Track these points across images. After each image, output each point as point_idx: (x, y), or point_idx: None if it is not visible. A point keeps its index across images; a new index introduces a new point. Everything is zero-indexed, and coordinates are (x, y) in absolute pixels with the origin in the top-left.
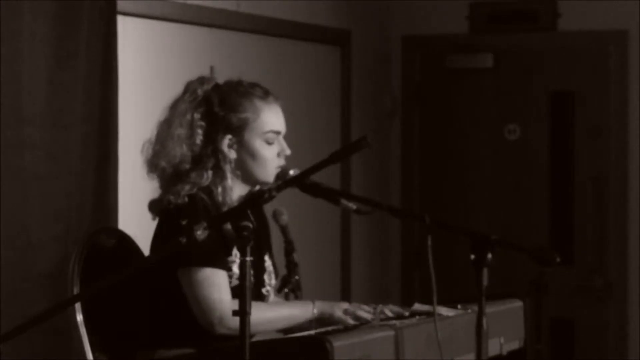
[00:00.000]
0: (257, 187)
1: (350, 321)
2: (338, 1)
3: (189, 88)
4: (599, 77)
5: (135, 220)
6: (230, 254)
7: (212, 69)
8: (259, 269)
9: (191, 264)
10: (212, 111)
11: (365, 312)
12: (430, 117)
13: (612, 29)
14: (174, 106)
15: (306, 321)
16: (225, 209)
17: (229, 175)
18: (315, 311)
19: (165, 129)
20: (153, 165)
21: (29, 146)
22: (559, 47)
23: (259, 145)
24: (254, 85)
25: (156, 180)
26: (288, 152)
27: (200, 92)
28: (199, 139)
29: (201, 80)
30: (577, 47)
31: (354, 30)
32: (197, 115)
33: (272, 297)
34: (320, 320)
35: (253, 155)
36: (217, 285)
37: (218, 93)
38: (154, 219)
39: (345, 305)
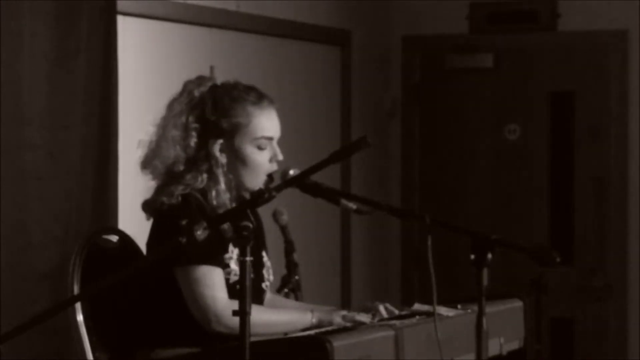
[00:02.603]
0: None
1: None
2: (338, 1)
3: (186, 88)
4: (599, 77)
5: (135, 220)
6: (227, 251)
7: (212, 69)
8: (259, 264)
9: (187, 263)
10: (204, 115)
11: (364, 317)
12: (430, 117)
13: (612, 29)
14: (171, 106)
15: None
16: (219, 212)
17: (222, 179)
18: (314, 320)
19: (160, 128)
20: (146, 163)
21: (29, 146)
22: (559, 47)
23: (250, 150)
24: (249, 89)
25: (150, 177)
26: (280, 157)
27: (196, 93)
28: (193, 141)
29: (199, 81)
30: (577, 47)
31: (354, 30)
32: (191, 118)
33: (269, 292)
34: (320, 327)
35: (243, 160)
36: (213, 283)
37: (212, 96)
38: (148, 219)
39: (343, 312)
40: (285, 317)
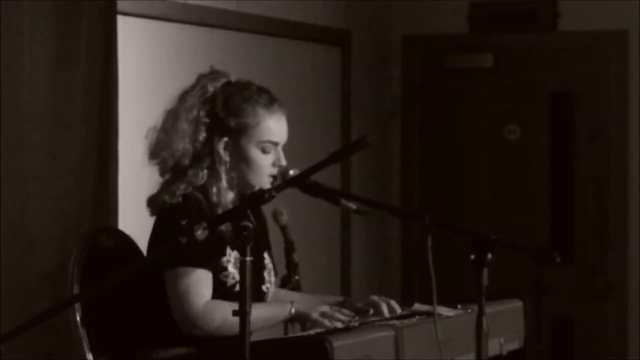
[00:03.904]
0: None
1: (327, 323)
2: (338, 1)
3: (200, 82)
4: (599, 77)
5: (135, 220)
6: (224, 254)
7: (212, 68)
8: (259, 266)
9: (174, 265)
10: (214, 111)
11: (344, 315)
12: (430, 117)
13: (612, 29)
14: (183, 98)
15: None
16: (220, 209)
17: (223, 177)
18: (293, 311)
19: (171, 120)
20: (155, 153)
21: (29, 146)
22: (559, 47)
23: (253, 152)
24: (262, 91)
25: (156, 168)
26: (283, 163)
27: (210, 88)
28: (202, 136)
29: (213, 76)
30: (577, 47)
31: (354, 30)
32: (202, 113)
33: (271, 294)
34: (297, 320)
35: (246, 161)
36: (194, 286)
37: (224, 93)
38: (151, 215)
39: (324, 307)
40: (263, 313)
